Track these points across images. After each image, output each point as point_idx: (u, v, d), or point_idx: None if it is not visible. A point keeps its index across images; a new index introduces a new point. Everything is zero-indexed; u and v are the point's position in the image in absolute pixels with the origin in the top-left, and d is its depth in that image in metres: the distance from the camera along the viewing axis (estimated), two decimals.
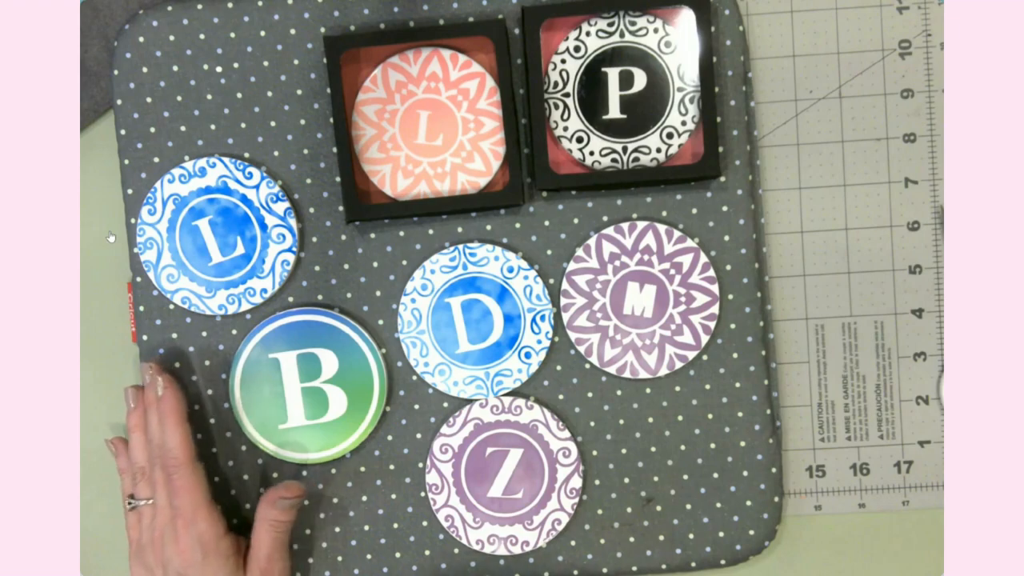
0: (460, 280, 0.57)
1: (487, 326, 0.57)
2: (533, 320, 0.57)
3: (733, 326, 0.57)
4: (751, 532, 0.57)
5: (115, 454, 0.57)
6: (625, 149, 0.56)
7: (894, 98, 0.57)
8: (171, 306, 0.57)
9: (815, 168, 0.58)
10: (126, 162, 0.57)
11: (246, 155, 0.57)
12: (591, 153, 0.56)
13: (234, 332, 0.58)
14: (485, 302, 0.57)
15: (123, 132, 0.57)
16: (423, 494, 0.57)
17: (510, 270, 0.57)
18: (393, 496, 0.58)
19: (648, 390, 0.57)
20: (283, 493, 0.55)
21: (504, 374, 0.57)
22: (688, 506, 0.57)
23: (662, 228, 0.56)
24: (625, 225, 0.56)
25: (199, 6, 0.57)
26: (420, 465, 0.58)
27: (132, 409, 0.56)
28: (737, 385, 0.57)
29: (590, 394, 0.57)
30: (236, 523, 0.58)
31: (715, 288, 0.56)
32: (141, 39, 0.57)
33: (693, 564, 0.57)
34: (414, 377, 0.57)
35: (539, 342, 0.57)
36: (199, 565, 0.53)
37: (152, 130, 0.57)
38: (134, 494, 0.56)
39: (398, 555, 0.58)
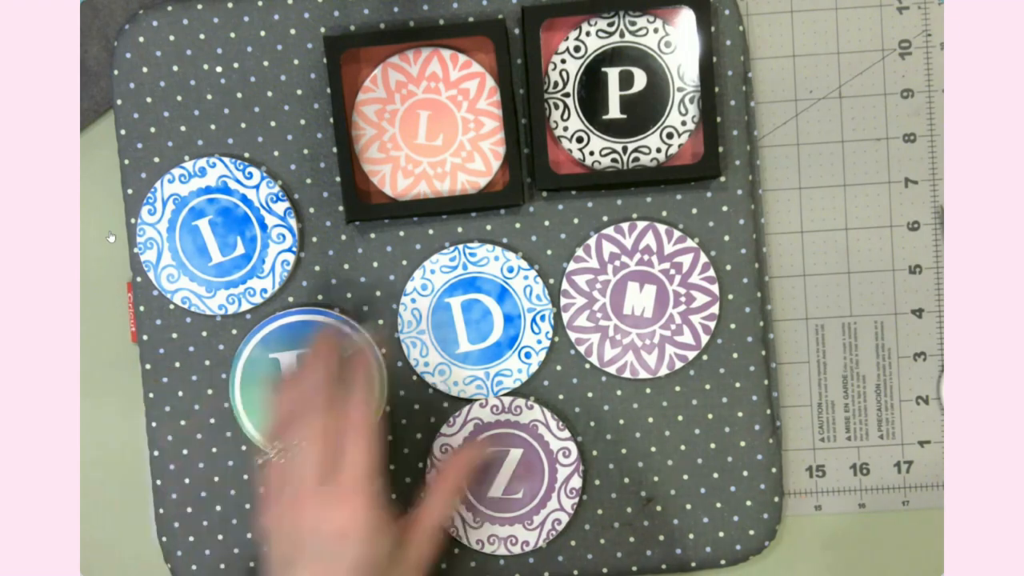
0: (460, 280, 0.57)
1: (487, 326, 0.57)
2: (533, 320, 0.57)
3: (733, 326, 0.57)
4: (751, 532, 0.57)
5: (280, 385, 0.53)
6: (625, 149, 0.56)
7: (894, 98, 0.57)
8: (171, 306, 0.57)
9: (815, 168, 0.58)
10: (126, 162, 0.57)
11: (246, 155, 0.57)
12: (591, 153, 0.56)
13: (234, 332, 0.58)
14: (485, 302, 0.57)
15: (123, 132, 0.57)
16: (423, 494, 0.57)
17: (510, 270, 0.57)
18: (393, 496, 0.57)
19: (648, 390, 0.57)
20: (476, 449, 0.55)
21: (504, 374, 0.57)
22: (688, 506, 0.57)
23: (662, 228, 0.56)
24: (625, 225, 0.56)
25: (199, 6, 0.57)
26: (420, 465, 0.58)
27: (319, 347, 0.53)
28: (737, 385, 0.57)
29: (590, 394, 0.57)
30: (236, 523, 0.58)
31: (715, 288, 0.56)
32: (141, 39, 0.57)
33: (693, 564, 0.57)
34: (414, 377, 0.57)
35: (539, 342, 0.57)
36: (364, 529, 0.48)
37: (152, 130, 0.57)
38: (283, 440, 0.50)
39: None
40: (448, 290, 0.57)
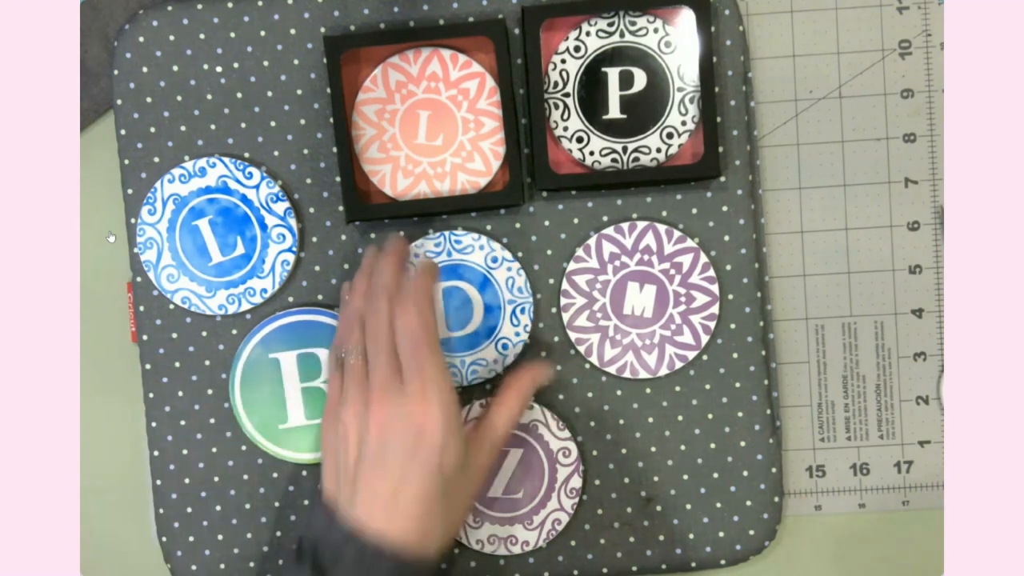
0: (444, 267, 0.57)
1: (466, 314, 0.57)
2: (513, 312, 0.56)
3: (733, 326, 0.57)
4: (751, 532, 0.57)
5: (345, 299, 0.54)
6: (625, 149, 0.56)
7: (894, 98, 0.57)
8: (171, 306, 0.57)
9: (815, 168, 0.58)
10: (126, 162, 0.57)
11: (246, 155, 0.57)
12: (591, 153, 0.56)
13: (234, 332, 0.58)
14: (466, 290, 0.56)
15: (123, 132, 0.57)
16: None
17: (494, 260, 0.56)
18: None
19: (648, 390, 0.57)
20: (542, 367, 0.54)
21: (480, 363, 0.57)
22: (688, 506, 0.57)
23: (662, 228, 0.56)
24: (625, 225, 0.56)
25: (199, 6, 0.57)
26: None
27: (388, 255, 0.53)
28: (737, 385, 0.57)
29: (590, 394, 0.57)
30: (236, 523, 0.58)
31: (715, 288, 0.56)
32: (141, 39, 0.57)
33: (693, 564, 0.57)
34: None
35: (517, 334, 0.56)
36: (440, 429, 0.48)
37: (152, 130, 0.57)
38: (350, 343, 0.51)
39: None
40: None
